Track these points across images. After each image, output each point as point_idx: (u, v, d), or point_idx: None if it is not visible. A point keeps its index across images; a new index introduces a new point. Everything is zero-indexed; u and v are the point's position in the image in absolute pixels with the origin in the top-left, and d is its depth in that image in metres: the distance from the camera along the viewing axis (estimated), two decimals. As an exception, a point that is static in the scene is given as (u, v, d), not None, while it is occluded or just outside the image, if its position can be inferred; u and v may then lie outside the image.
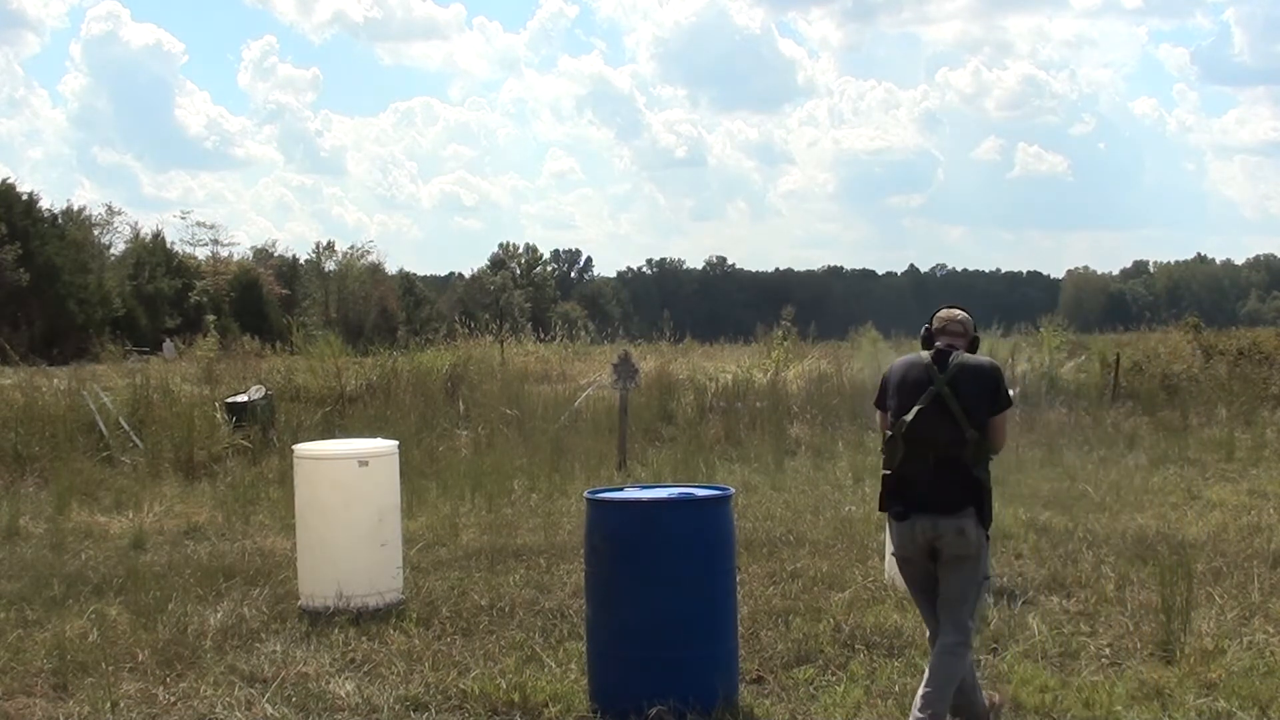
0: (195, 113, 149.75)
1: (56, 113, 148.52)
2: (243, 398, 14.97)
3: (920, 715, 4.85)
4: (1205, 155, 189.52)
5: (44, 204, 56.82)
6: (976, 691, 5.13)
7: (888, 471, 5.05)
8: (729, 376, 19.65)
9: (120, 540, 9.83)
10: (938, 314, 5.29)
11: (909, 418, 4.97)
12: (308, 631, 6.86)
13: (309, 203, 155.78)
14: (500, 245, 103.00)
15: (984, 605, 5.38)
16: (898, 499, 5.02)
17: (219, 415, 14.40)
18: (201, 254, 67.72)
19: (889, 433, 5.06)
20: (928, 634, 5.20)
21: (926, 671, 5.01)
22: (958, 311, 5.29)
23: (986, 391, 5.01)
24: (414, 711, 5.58)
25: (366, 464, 7.53)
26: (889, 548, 8.05)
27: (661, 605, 5.39)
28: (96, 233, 65.11)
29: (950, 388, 4.97)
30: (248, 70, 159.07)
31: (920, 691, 4.92)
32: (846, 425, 16.82)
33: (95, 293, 53.69)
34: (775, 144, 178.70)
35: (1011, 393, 5.27)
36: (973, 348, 5.22)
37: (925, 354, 5.13)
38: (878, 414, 5.29)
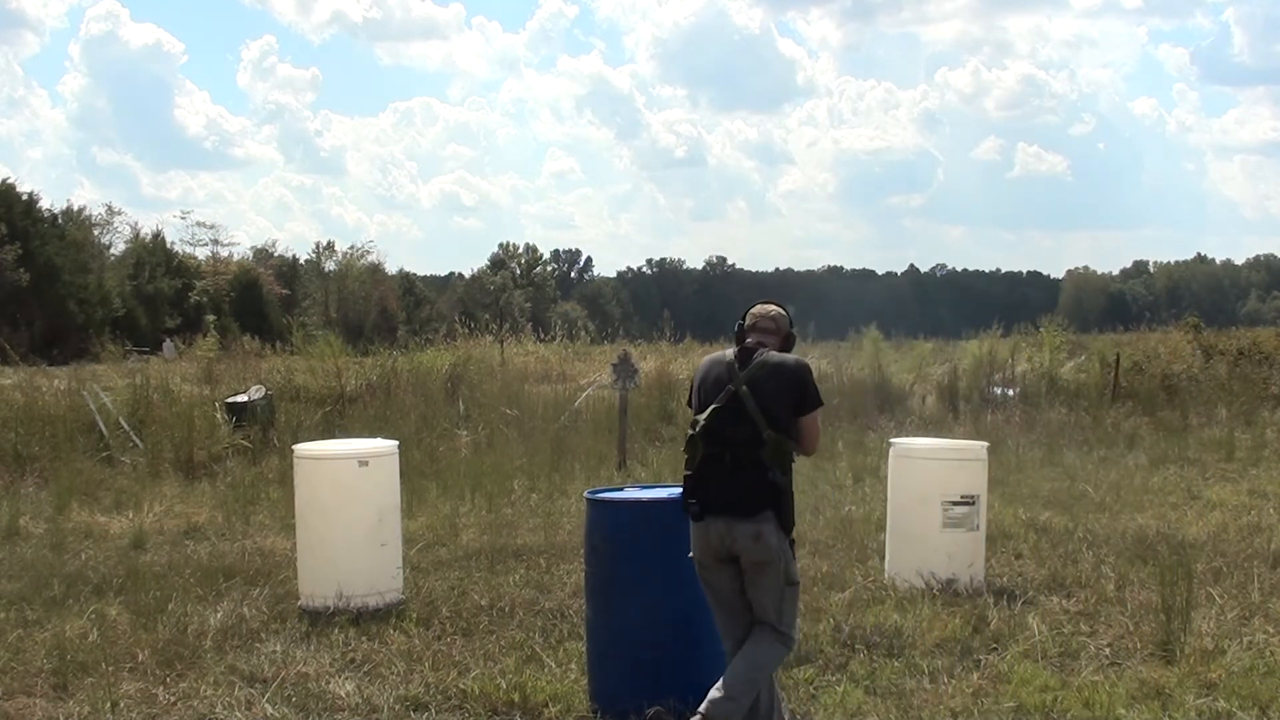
0: (195, 113, 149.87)
1: (56, 113, 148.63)
2: (243, 398, 14.96)
3: (716, 695, 4.73)
4: (1205, 155, 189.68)
5: (44, 204, 56.93)
6: (771, 693, 4.91)
7: (688, 472, 4.91)
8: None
9: (120, 540, 9.83)
10: (750, 310, 5.14)
11: (704, 416, 4.86)
12: (308, 631, 6.86)
13: (309, 203, 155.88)
14: (500, 245, 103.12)
15: (799, 613, 5.20)
16: (694, 497, 4.88)
17: (219, 415, 14.40)
18: (201, 254, 67.84)
19: (690, 431, 4.93)
20: (730, 649, 4.96)
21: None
22: (770, 307, 5.14)
23: (788, 391, 4.87)
24: (414, 711, 5.58)
25: (366, 464, 7.53)
26: (888, 548, 8.07)
27: (661, 605, 5.39)
28: (96, 233, 65.17)
29: (749, 386, 4.83)
30: (247, 70, 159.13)
31: (724, 681, 4.78)
32: (846, 425, 16.82)
33: (95, 293, 53.70)
34: (775, 144, 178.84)
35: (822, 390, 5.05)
36: (786, 345, 5.09)
37: (731, 351, 5.01)
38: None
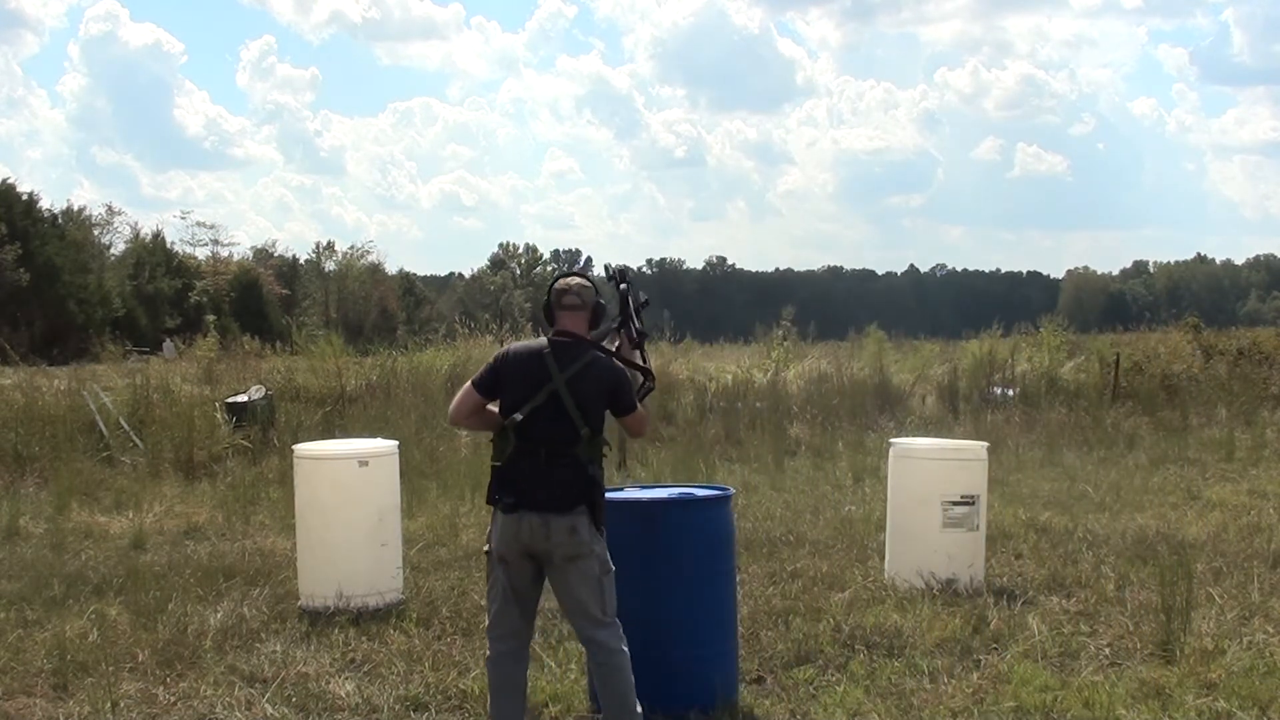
0: (194, 113, 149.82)
1: (55, 113, 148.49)
2: (243, 398, 14.96)
3: None
4: (1205, 155, 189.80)
5: (44, 204, 56.95)
6: (520, 691, 4.92)
7: (498, 464, 4.83)
8: (729, 376, 19.66)
9: (120, 540, 9.83)
10: (554, 285, 5.01)
11: (520, 416, 4.78)
12: (308, 631, 6.86)
13: (308, 203, 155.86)
14: (500, 245, 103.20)
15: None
16: (509, 491, 4.77)
17: (219, 415, 14.39)
18: (201, 254, 67.88)
19: (502, 425, 4.83)
20: (500, 643, 4.87)
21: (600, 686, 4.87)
22: (574, 280, 5.00)
23: (604, 396, 4.84)
24: (414, 711, 5.58)
25: (366, 464, 7.53)
26: (888, 548, 8.07)
27: (661, 605, 5.39)
28: (96, 233, 65.21)
29: (568, 387, 4.77)
30: (246, 70, 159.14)
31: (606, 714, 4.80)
32: (846, 425, 16.83)
33: (95, 293, 53.71)
34: (774, 144, 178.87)
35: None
36: (596, 316, 4.96)
37: (544, 342, 4.90)
38: (469, 393, 4.97)
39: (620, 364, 4.95)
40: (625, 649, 4.85)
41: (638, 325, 5.14)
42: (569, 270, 5.10)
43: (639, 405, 4.97)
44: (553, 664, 6.13)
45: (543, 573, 4.85)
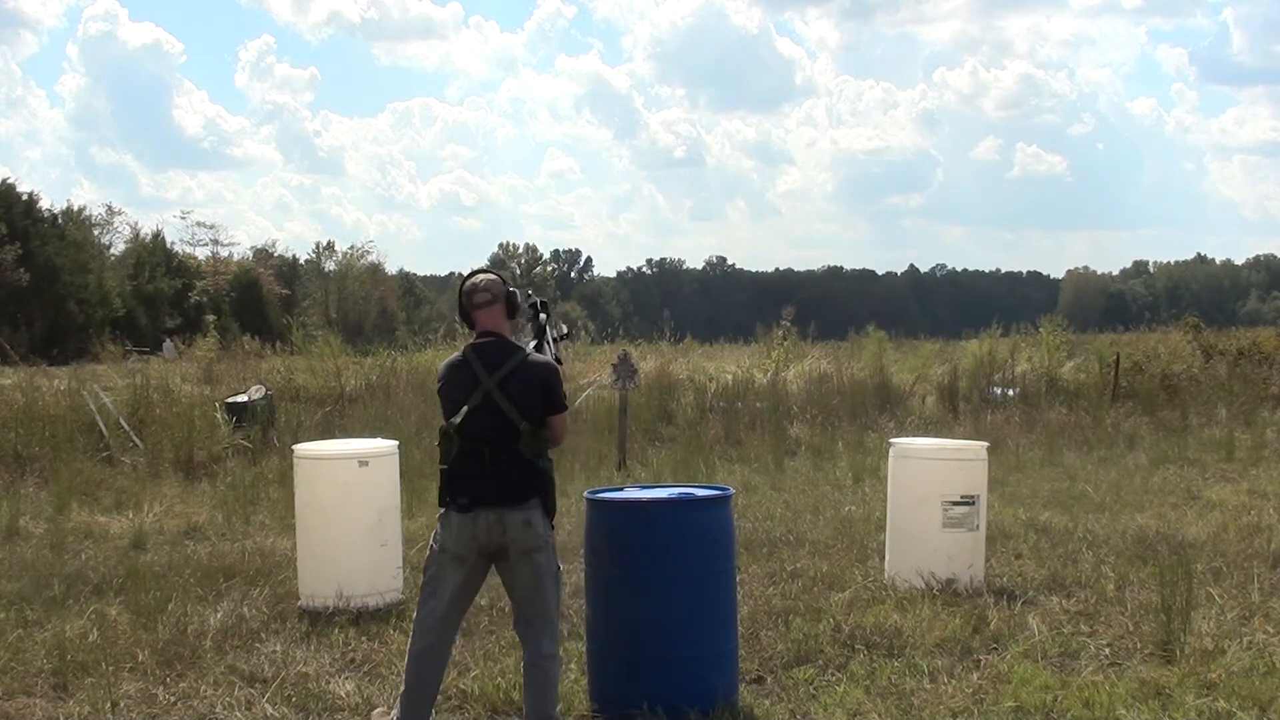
0: (193, 112, 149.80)
1: (55, 113, 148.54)
2: (243, 398, 14.96)
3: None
4: (1204, 155, 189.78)
5: (44, 204, 56.92)
6: (433, 687, 5.03)
7: (444, 466, 4.97)
8: (729, 376, 19.66)
9: (120, 540, 9.83)
10: (463, 286, 5.13)
11: (459, 419, 4.92)
12: (308, 631, 6.85)
13: (308, 203, 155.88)
14: (500, 245, 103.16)
15: (564, 603, 5.40)
16: (462, 492, 4.90)
17: (219, 415, 14.39)
18: (201, 254, 67.86)
19: (441, 428, 5.00)
20: (425, 638, 5.01)
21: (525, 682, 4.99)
22: (481, 276, 5.12)
23: (537, 393, 4.97)
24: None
25: (366, 464, 7.53)
26: (888, 548, 8.07)
27: (661, 605, 5.39)
28: (96, 233, 65.17)
29: (500, 387, 4.91)
30: (245, 70, 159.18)
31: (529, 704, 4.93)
32: (846, 425, 16.82)
33: (95, 293, 53.71)
34: (774, 144, 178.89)
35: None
36: (510, 307, 5.10)
37: (467, 348, 5.06)
38: None
39: (554, 366, 5.09)
40: (559, 654, 5.01)
41: (554, 354, 5.28)
42: (476, 270, 5.25)
43: (566, 416, 5.12)
44: (553, 664, 6.12)
45: (487, 570, 5.00)
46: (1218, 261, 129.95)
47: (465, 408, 4.91)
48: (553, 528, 5.01)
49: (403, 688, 5.09)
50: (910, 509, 7.91)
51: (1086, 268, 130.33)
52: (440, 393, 5.09)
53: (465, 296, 5.09)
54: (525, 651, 5.03)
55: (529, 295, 5.32)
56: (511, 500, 4.89)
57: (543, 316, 5.31)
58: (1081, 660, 6.15)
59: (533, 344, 5.26)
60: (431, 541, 5.08)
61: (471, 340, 5.12)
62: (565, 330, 5.36)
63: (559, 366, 5.16)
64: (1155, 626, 6.46)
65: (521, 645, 5.06)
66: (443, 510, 5.01)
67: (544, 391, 4.99)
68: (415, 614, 5.12)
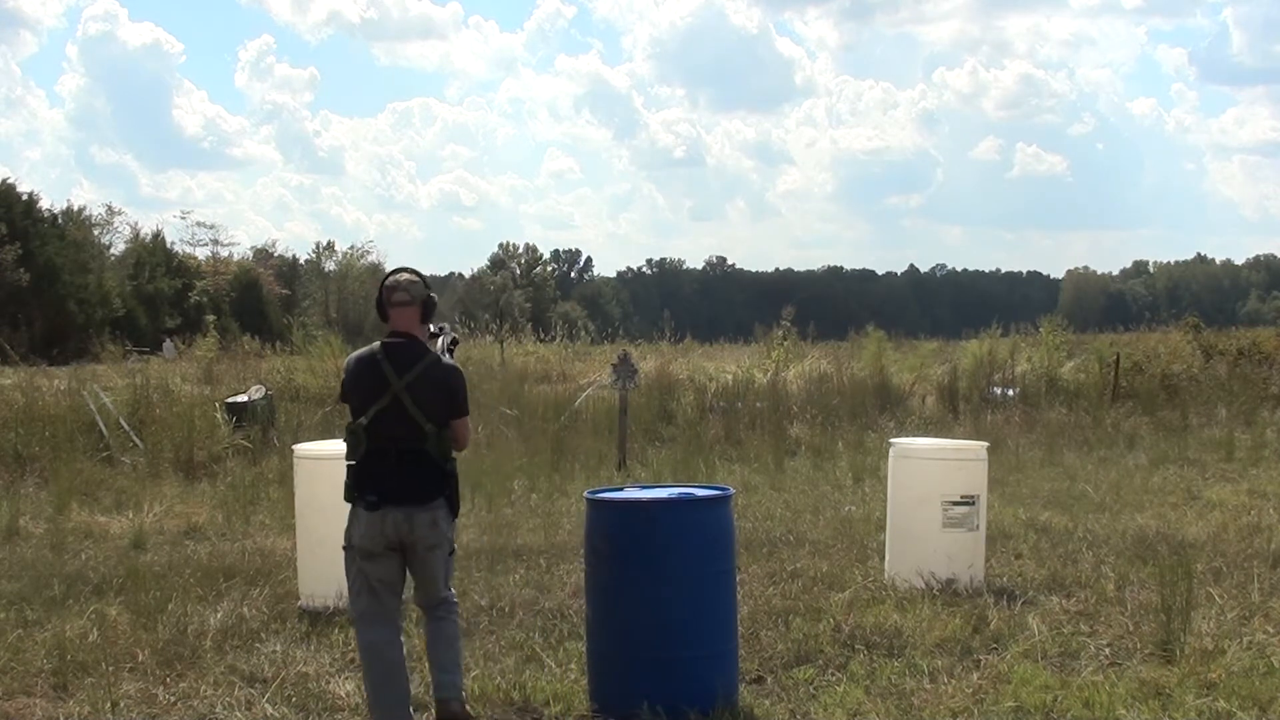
0: (193, 112, 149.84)
1: (54, 113, 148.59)
2: (243, 398, 14.96)
3: (445, 678, 5.07)
4: (1204, 155, 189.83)
5: (44, 204, 56.89)
6: (403, 673, 5.17)
7: (352, 463, 5.11)
8: (729, 376, 19.66)
9: (120, 540, 9.83)
10: (385, 283, 5.21)
11: (366, 420, 5.06)
12: (308, 631, 6.85)
13: (308, 203, 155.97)
14: (500, 245, 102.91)
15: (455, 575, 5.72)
16: (370, 490, 5.05)
17: (219, 415, 14.39)
18: (201, 254, 67.81)
19: (349, 425, 5.14)
20: (372, 631, 5.15)
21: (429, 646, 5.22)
22: (403, 276, 5.21)
23: (442, 397, 5.10)
24: (414, 711, 5.57)
25: (366, 464, 7.50)
26: (888, 548, 8.07)
27: (661, 605, 5.39)
28: (96, 233, 65.15)
29: (408, 388, 5.03)
30: (245, 70, 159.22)
31: (435, 672, 5.14)
32: (846, 425, 16.82)
33: (95, 293, 53.67)
34: (774, 144, 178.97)
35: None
36: (427, 309, 5.18)
37: (378, 346, 5.15)
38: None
39: (461, 371, 5.23)
40: (458, 619, 5.32)
41: (449, 361, 5.31)
42: (400, 269, 5.36)
43: (469, 421, 5.28)
44: (553, 664, 6.13)
45: (404, 560, 5.15)
46: (1218, 261, 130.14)
47: (374, 408, 5.04)
48: (454, 524, 5.25)
49: (370, 693, 5.14)
50: (910, 509, 7.91)
51: (1086, 268, 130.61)
52: (347, 386, 5.21)
53: (385, 292, 5.17)
54: (428, 616, 5.25)
55: (440, 328, 5.40)
56: (418, 500, 5.05)
57: (441, 338, 5.39)
58: (1081, 660, 6.15)
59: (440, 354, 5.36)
60: (343, 540, 5.20)
61: (384, 337, 5.22)
62: (455, 339, 5.51)
63: (464, 376, 5.28)
64: (1155, 626, 6.46)
65: (426, 619, 5.29)
66: (350, 506, 5.15)
67: (448, 395, 5.12)
68: (350, 611, 5.27)
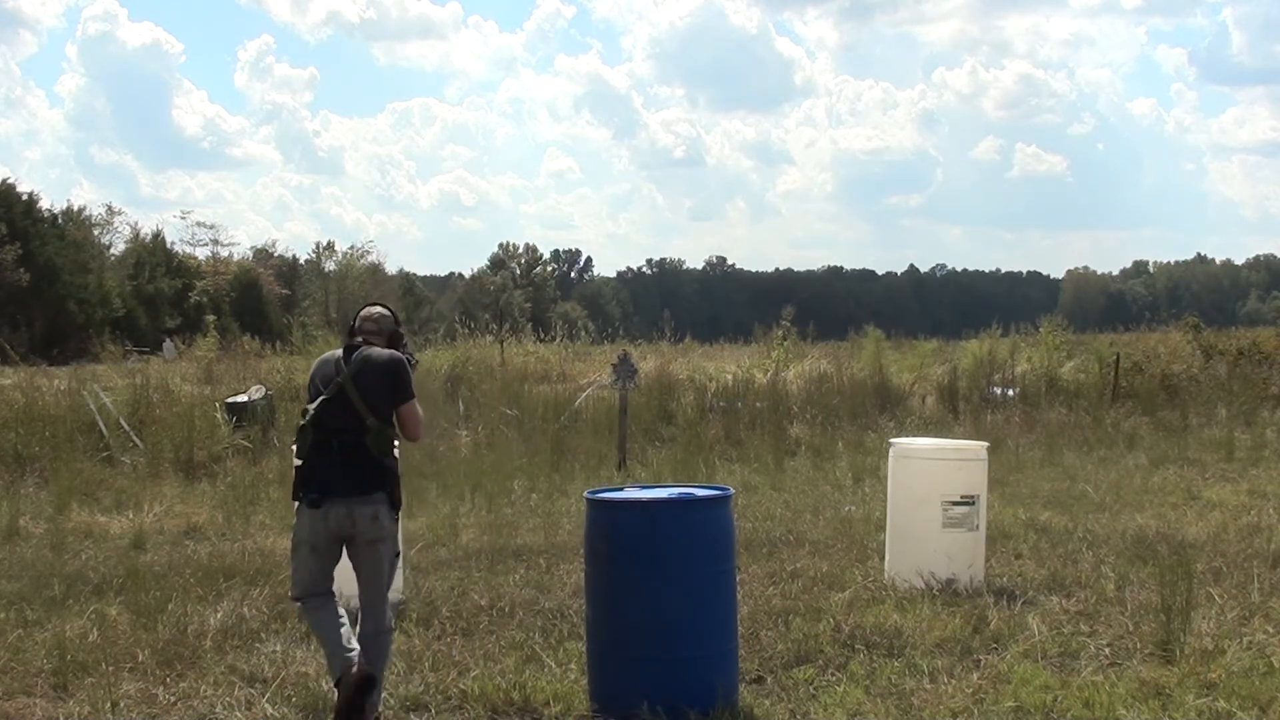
0: (193, 112, 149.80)
1: (54, 113, 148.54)
2: (243, 398, 14.96)
3: (366, 665, 5.19)
4: (1204, 155, 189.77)
5: (44, 204, 56.88)
6: (342, 650, 5.29)
7: (299, 461, 5.34)
8: (729, 376, 19.65)
9: (120, 540, 9.83)
10: (359, 313, 5.61)
11: (313, 407, 5.30)
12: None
13: (308, 203, 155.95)
14: (500, 245, 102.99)
15: (400, 578, 5.99)
16: (313, 486, 5.26)
17: (219, 415, 14.40)
18: (201, 254, 67.81)
19: (300, 421, 5.37)
20: (306, 605, 5.41)
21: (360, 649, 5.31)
22: (375, 309, 5.60)
23: (385, 384, 5.33)
24: (414, 711, 5.58)
25: (366, 464, 7.51)
26: (888, 548, 8.08)
27: (661, 605, 5.39)
28: (96, 233, 65.17)
29: (351, 380, 5.28)
30: (245, 70, 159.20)
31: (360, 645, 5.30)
32: (846, 425, 16.83)
33: (95, 293, 53.66)
34: (773, 144, 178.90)
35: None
36: (392, 343, 5.50)
37: (344, 349, 5.45)
38: None
39: (401, 358, 5.45)
40: (392, 627, 5.47)
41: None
42: (374, 302, 5.89)
43: (419, 406, 5.48)
44: (553, 664, 6.13)
45: (345, 551, 5.37)
46: (1218, 261, 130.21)
47: (321, 399, 5.30)
48: (397, 519, 5.41)
49: (325, 650, 5.41)
50: (910, 509, 7.91)
51: (1086, 268, 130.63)
52: (310, 381, 5.48)
53: (359, 321, 5.54)
54: (364, 622, 5.37)
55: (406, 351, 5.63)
56: (358, 493, 5.24)
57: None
58: (1081, 660, 6.15)
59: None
60: (292, 537, 5.46)
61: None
62: (414, 359, 5.75)
63: (406, 361, 5.47)
64: (1155, 626, 6.46)
65: (362, 617, 5.39)
66: (297, 504, 5.36)
67: (390, 381, 5.34)
68: (291, 593, 5.54)
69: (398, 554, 5.49)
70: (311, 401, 5.35)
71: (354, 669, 5.15)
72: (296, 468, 5.35)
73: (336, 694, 5.20)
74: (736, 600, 5.90)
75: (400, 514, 5.44)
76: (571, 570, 8.12)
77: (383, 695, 5.39)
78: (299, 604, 5.53)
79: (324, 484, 5.24)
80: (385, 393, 5.31)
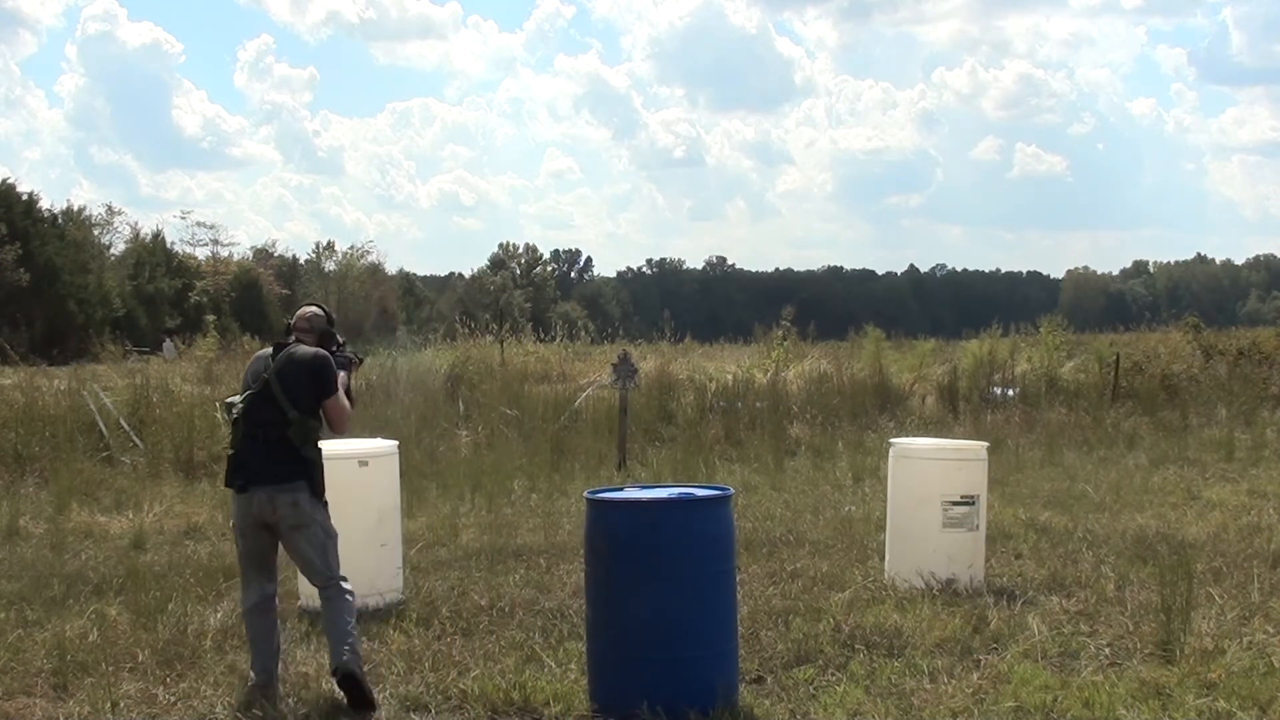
0: (192, 112, 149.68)
1: (54, 113, 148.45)
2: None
3: (343, 649, 5.49)
4: (1204, 155, 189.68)
5: (44, 204, 56.88)
6: (274, 633, 5.73)
7: (231, 451, 5.73)
8: (729, 376, 19.66)
9: (120, 540, 9.83)
10: (299, 309, 6.02)
11: (241, 401, 5.69)
12: (308, 631, 6.85)
13: (307, 203, 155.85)
14: (500, 245, 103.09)
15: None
16: (239, 474, 5.64)
17: (219, 415, 14.38)
18: (201, 254, 67.85)
19: (232, 415, 5.74)
20: (248, 599, 5.75)
21: (326, 624, 5.69)
22: (309, 309, 6.00)
23: (307, 380, 5.68)
24: (414, 711, 5.58)
25: (366, 464, 7.53)
26: (888, 548, 8.08)
27: (661, 605, 5.39)
28: (96, 233, 65.18)
29: (276, 376, 5.65)
30: (244, 70, 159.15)
31: (331, 644, 5.61)
32: (846, 425, 16.83)
33: (95, 293, 53.68)
34: (773, 144, 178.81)
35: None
36: (324, 341, 5.88)
37: (274, 346, 5.85)
38: None
39: (326, 354, 5.81)
40: (350, 597, 5.72)
41: (346, 375, 5.99)
42: (310, 302, 6.32)
43: (343, 400, 5.80)
44: (553, 664, 6.13)
45: (277, 538, 5.71)
46: (1218, 261, 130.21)
47: (248, 393, 5.68)
48: (324, 505, 5.73)
49: (250, 647, 5.78)
50: (910, 509, 7.91)
51: (1086, 268, 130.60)
52: (243, 377, 5.90)
53: (295, 319, 5.96)
54: (321, 599, 5.74)
55: (340, 347, 6.03)
56: (278, 481, 5.59)
57: (341, 356, 6.02)
58: (1081, 660, 6.15)
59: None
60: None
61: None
62: (348, 359, 6.12)
63: (330, 358, 5.82)
64: (1155, 626, 6.46)
65: (319, 595, 5.77)
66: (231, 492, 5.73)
67: (312, 378, 5.69)
68: (241, 602, 5.88)
69: (332, 536, 5.76)
70: (241, 396, 5.72)
71: (335, 671, 5.49)
72: (228, 456, 5.74)
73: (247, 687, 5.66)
74: (736, 600, 5.90)
75: (325, 500, 5.75)
76: (571, 570, 8.12)
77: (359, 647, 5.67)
78: (242, 587, 5.87)
79: (249, 472, 5.61)
80: (308, 388, 5.66)
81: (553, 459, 13.70)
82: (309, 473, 5.66)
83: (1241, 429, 16.63)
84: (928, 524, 7.74)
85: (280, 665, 5.84)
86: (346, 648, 5.51)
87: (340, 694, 5.64)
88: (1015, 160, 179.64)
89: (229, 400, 5.87)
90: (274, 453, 5.60)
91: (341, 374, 5.93)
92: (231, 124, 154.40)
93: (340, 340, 6.08)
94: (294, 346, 5.77)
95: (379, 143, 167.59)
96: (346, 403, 5.85)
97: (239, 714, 5.46)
